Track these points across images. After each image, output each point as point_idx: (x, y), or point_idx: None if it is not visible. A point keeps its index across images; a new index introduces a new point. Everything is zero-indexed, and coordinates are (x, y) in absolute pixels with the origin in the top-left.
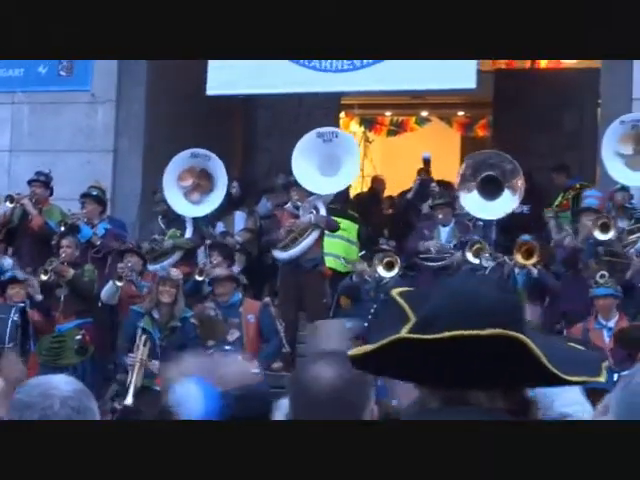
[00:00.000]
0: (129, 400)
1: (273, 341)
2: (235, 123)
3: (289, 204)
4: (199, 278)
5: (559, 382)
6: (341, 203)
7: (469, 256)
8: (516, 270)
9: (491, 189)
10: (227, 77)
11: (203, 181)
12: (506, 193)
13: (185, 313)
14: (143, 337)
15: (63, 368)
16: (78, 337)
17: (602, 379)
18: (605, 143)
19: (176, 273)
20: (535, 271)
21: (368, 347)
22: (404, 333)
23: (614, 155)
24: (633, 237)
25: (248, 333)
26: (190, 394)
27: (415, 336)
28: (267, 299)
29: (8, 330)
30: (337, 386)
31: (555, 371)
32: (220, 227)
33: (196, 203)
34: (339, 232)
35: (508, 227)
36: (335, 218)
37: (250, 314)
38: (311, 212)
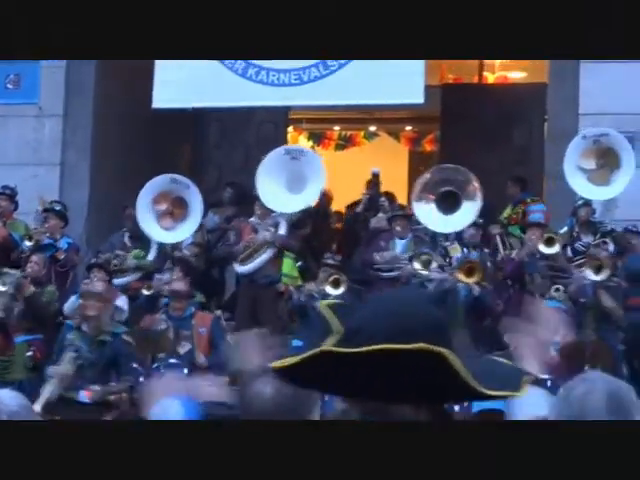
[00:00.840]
0: (37, 408)
1: (223, 354)
2: (184, 136)
3: (253, 218)
4: (146, 292)
5: (480, 397)
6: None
7: (417, 266)
8: (459, 285)
9: (449, 203)
10: (173, 90)
11: (177, 208)
12: (465, 206)
13: (116, 328)
14: (69, 353)
15: (9, 383)
16: (29, 353)
17: (522, 394)
18: (567, 158)
19: (100, 287)
20: (477, 289)
21: (291, 359)
22: (328, 345)
23: (576, 170)
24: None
25: (199, 346)
26: (171, 410)
27: (337, 349)
28: (218, 312)
29: None
30: (279, 401)
31: (475, 386)
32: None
33: (167, 229)
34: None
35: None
36: None
37: (202, 327)
38: (268, 229)
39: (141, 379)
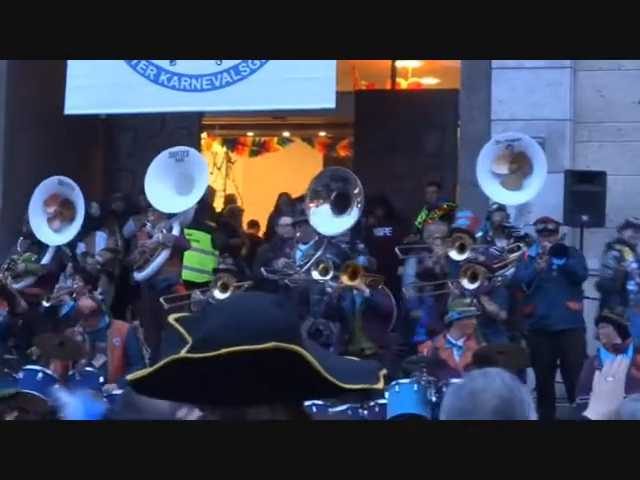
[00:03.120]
0: None
1: (137, 366)
2: (96, 144)
3: (147, 225)
4: (46, 304)
5: (338, 391)
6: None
7: (315, 275)
8: (354, 292)
9: (342, 205)
10: (86, 97)
11: (65, 210)
12: (354, 208)
13: None
14: None
15: None
16: None
17: (380, 385)
18: (480, 163)
19: None
20: (367, 291)
21: (145, 371)
22: (181, 354)
23: (489, 175)
24: (514, 255)
25: (113, 357)
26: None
27: (191, 355)
28: (135, 322)
29: None
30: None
31: (333, 380)
32: (81, 248)
33: (56, 231)
34: (193, 243)
35: (372, 250)
36: (188, 230)
37: (116, 337)
38: (161, 231)
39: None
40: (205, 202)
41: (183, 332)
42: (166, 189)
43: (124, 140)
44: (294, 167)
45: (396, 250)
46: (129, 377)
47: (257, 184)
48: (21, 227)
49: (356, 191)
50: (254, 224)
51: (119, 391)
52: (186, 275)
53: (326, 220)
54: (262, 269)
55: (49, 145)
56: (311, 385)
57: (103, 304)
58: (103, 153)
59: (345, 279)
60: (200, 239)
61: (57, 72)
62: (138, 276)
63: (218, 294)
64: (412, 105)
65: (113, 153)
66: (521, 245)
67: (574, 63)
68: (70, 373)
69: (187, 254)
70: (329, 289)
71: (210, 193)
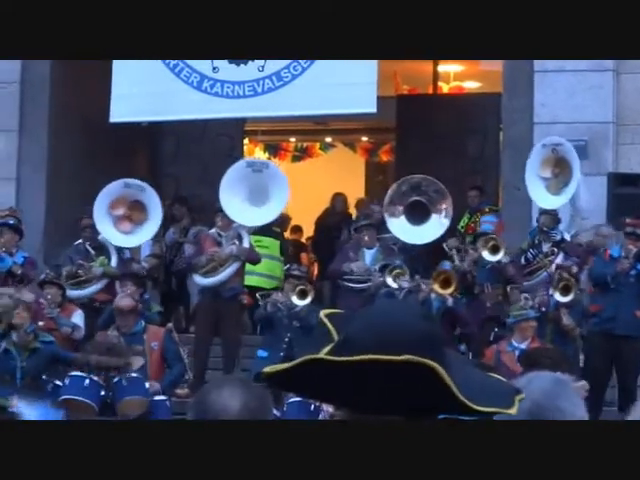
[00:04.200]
0: None
1: (176, 367)
2: (140, 150)
3: (213, 230)
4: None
5: (469, 411)
6: None
7: (389, 280)
8: (432, 296)
9: (418, 214)
10: (130, 105)
11: (135, 212)
12: (434, 218)
13: (45, 337)
14: None
15: None
16: None
17: (513, 411)
18: (529, 166)
19: (29, 296)
20: (450, 300)
21: (282, 366)
22: (322, 354)
23: (536, 178)
24: (546, 260)
25: (152, 360)
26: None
27: (325, 357)
28: (170, 325)
29: None
30: (244, 416)
31: (465, 401)
32: (127, 254)
33: (127, 233)
34: (262, 250)
35: (412, 253)
36: (257, 236)
37: (154, 341)
38: (234, 243)
39: None
40: None
41: (332, 329)
42: (239, 198)
43: (167, 146)
44: (336, 172)
45: (445, 247)
46: (265, 370)
47: (299, 190)
48: (65, 233)
49: (436, 201)
50: (297, 229)
51: (162, 397)
52: (254, 281)
53: (404, 229)
54: (347, 265)
55: (93, 151)
56: (442, 402)
57: (148, 307)
58: (146, 159)
59: (437, 287)
60: (269, 245)
61: (100, 78)
62: (203, 281)
63: (297, 300)
64: (454, 109)
65: (156, 159)
66: (555, 250)
67: (616, 66)
68: (116, 379)
69: None
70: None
71: None
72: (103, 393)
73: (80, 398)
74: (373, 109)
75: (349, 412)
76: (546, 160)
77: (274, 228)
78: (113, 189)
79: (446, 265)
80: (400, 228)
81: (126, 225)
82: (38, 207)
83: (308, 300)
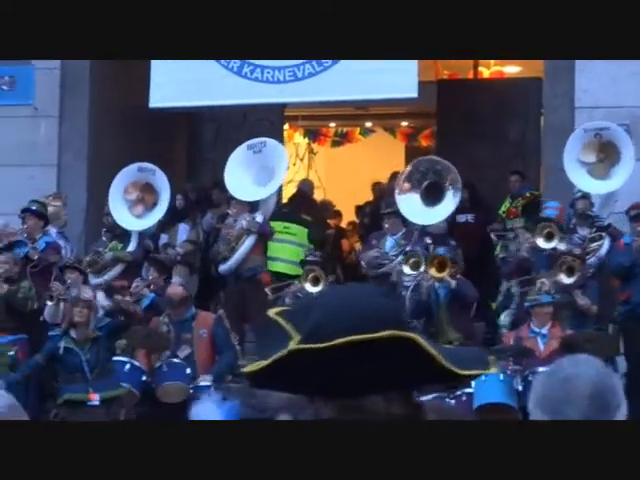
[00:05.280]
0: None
1: (227, 354)
2: (180, 136)
3: (229, 218)
4: (150, 293)
5: (455, 378)
6: (291, 207)
7: (406, 269)
8: (436, 284)
9: (433, 196)
10: (170, 90)
11: (147, 195)
12: (447, 198)
13: (101, 322)
14: None
15: None
16: (11, 353)
17: (495, 370)
18: (567, 151)
19: (88, 294)
20: (453, 283)
21: (261, 363)
22: (299, 345)
23: (576, 163)
24: (594, 245)
25: (200, 348)
26: (208, 412)
27: (308, 346)
28: (221, 311)
29: None
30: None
31: (451, 367)
32: (164, 239)
33: (139, 217)
34: (289, 236)
35: (454, 237)
36: (285, 223)
37: (203, 329)
38: (244, 218)
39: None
40: (304, 196)
41: (286, 326)
42: (246, 181)
43: (207, 132)
44: (376, 157)
45: (491, 235)
46: (245, 369)
47: (339, 175)
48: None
49: (449, 181)
50: (337, 214)
51: (208, 383)
52: (281, 267)
53: (418, 211)
54: (364, 253)
55: (133, 139)
56: (426, 373)
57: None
58: (186, 145)
59: (433, 271)
60: (297, 232)
61: (140, 67)
62: (223, 268)
63: (309, 287)
64: (494, 94)
65: (196, 145)
66: (602, 235)
67: None
68: (157, 365)
69: (283, 247)
70: (416, 283)
71: (309, 187)
72: (144, 378)
73: (121, 383)
74: (415, 94)
75: (329, 401)
76: (589, 145)
77: (303, 215)
78: (127, 174)
79: (440, 250)
80: (413, 210)
81: (139, 208)
82: (79, 194)
83: (321, 287)
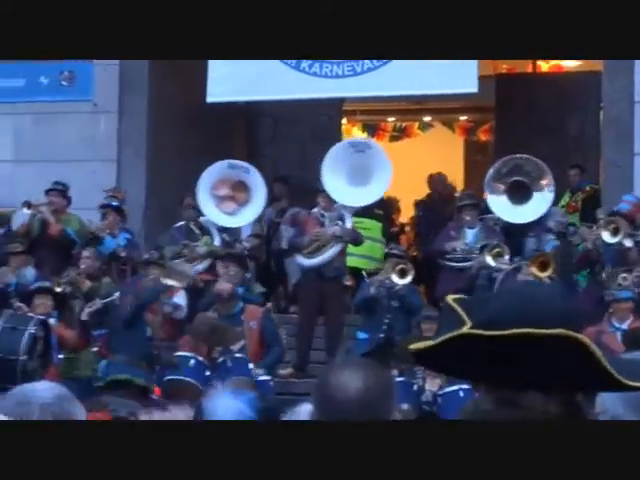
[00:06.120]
0: None
1: (276, 347)
2: (238, 132)
3: (315, 210)
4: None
5: (619, 387)
6: None
7: (488, 259)
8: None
9: (519, 194)
10: (227, 84)
11: (239, 193)
12: (536, 197)
13: None
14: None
15: (76, 379)
16: (94, 349)
17: None
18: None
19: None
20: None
21: (429, 342)
22: (471, 330)
23: None
24: None
25: (250, 340)
26: (225, 407)
27: (478, 332)
28: (269, 305)
29: (22, 343)
30: (363, 396)
31: (617, 376)
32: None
33: (230, 214)
34: (363, 231)
35: (512, 230)
36: (359, 218)
37: (252, 321)
38: (337, 224)
39: None
40: None
41: (460, 312)
42: (340, 178)
43: (264, 127)
44: (434, 152)
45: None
46: (412, 346)
47: (397, 170)
48: (165, 214)
49: (538, 181)
50: (397, 210)
51: (266, 377)
52: (354, 262)
53: (505, 208)
54: (449, 244)
55: (191, 135)
56: (591, 377)
57: (250, 288)
58: (244, 140)
59: (534, 269)
60: (371, 227)
61: (198, 63)
62: (306, 262)
63: (396, 279)
64: (553, 88)
65: (253, 140)
66: None
67: None
68: (221, 360)
69: None
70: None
71: None
72: (208, 373)
73: (185, 378)
74: (474, 89)
75: (490, 391)
76: None
77: (376, 210)
78: (217, 170)
79: (530, 244)
80: (502, 207)
81: (230, 205)
82: (139, 189)
83: (408, 279)
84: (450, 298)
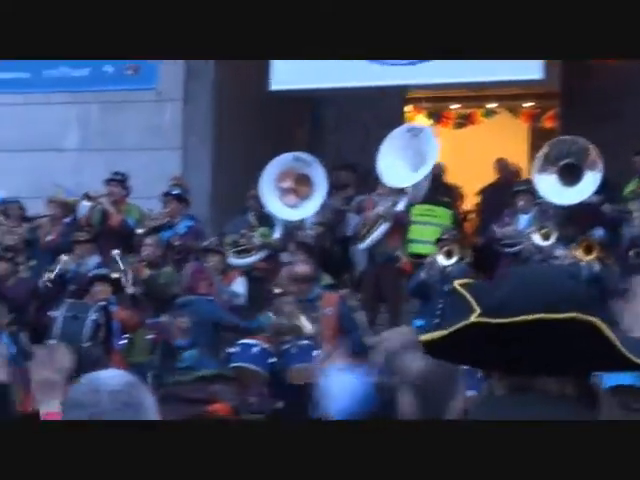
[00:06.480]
0: None
1: (354, 333)
2: (302, 119)
3: (374, 198)
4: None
5: (631, 367)
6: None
7: (536, 239)
8: (582, 264)
9: (570, 176)
10: (291, 72)
11: (301, 186)
12: (586, 178)
13: None
14: None
15: (131, 365)
16: (149, 336)
17: None
18: None
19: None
20: (596, 266)
21: (439, 333)
22: (480, 319)
23: None
24: None
25: (326, 326)
26: (341, 384)
27: (489, 320)
28: (346, 291)
29: (85, 329)
30: (427, 378)
31: (629, 355)
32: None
33: (291, 206)
34: (431, 218)
35: (578, 217)
36: (429, 206)
37: (328, 307)
38: (384, 205)
39: None
40: (437, 179)
41: (469, 299)
42: (400, 165)
43: (328, 115)
44: (499, 138)
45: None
46: (422, 337)
47: (462, 157)
48: (230, 202)
49: (588, 162)
50: (461, 197)
51: (340, 362)
52: (421, 249)
53: (555, 190)
54: (499, 230)
55: (256, 123)
56: (605, 360)
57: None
58: (308, 128)
59: (579, 253)
60: (440, 214)
61: None
62: (360, 247)
63: (442, 260)
64: (619, 74)
65: (317, 128)
66: None
67: None
68: (285, 347)
69: (425, 229)
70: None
71: (442, 170)
72: (273, 360)
73: (250, 366)
74: (539, 75)
75: (502, 377)
76: None
77: (445, 198)
78: (282, 162)
79: (598, 232)
80: (552, 189)
81: (291, 198)
82: (204, 177)
83: (453, 260)
84: (457, 283)
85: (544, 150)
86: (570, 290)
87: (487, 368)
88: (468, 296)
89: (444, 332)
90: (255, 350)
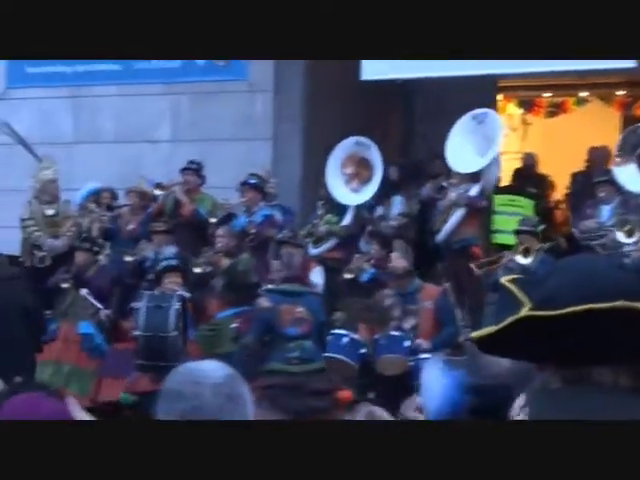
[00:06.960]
0: None
1: (449, 327)
2: (393, 109)
3: (448, 188)
4: (348, 276)
5: None
6: (518, 180)
7: (619, 236)
8: None
9: None
10: (383, 62)
11: (362, 170)
12: None
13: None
14: None
15: (217, 356)
16: (233, 325)
17: None
18: None
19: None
20: None
21: (491, 329)
22: (529, 312)
23: None
24: None
25: (424, 319)
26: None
27: (540, 313)
28: (447, 285)
29: (170, 319)
30: (508, 377)
31: None
32: (379, 211)
33: (354, 191)
34: (515, 209)
35: None
36: (512, 196)
37: (428, 300)
38: (456, 192)
39: None
40: (528, 169)
41: (518, 293)
42: (467, 151)
43: (420, 105)
44: (591, 127)
45: None
46: (474, 334)
47: (553, 146)
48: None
49: None
50: (552, 186)
51: (427, 355)
52: (504, 239)
53: (634, 179)
54: (582, 223)
55: (347, 113)
56: None
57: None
58: (399, 118)
59: (621, 236)
60: (524, 205)
61: None
62: (437, 238)
63: (520, 259)
64: None
65: (408, 118)
66: None
67: None
68: (376, 337)
69: (508, 219)
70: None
71: (534, 160)
72: (363, 351)
73: (339, 356)
74: (632, 63)
75: (557, 370)
76: None
77: (528, 188)
78: (346, 147)
79: None
80: (631, 179)
81: (355, 183)
82: (295, 167)
83: (530, 259)
84: (504, 279)
85: (619, 140)
86: (617, 279)
87: (540, 361)
88: (517, 291)
89: (496, 328)
90: (345, 340)
